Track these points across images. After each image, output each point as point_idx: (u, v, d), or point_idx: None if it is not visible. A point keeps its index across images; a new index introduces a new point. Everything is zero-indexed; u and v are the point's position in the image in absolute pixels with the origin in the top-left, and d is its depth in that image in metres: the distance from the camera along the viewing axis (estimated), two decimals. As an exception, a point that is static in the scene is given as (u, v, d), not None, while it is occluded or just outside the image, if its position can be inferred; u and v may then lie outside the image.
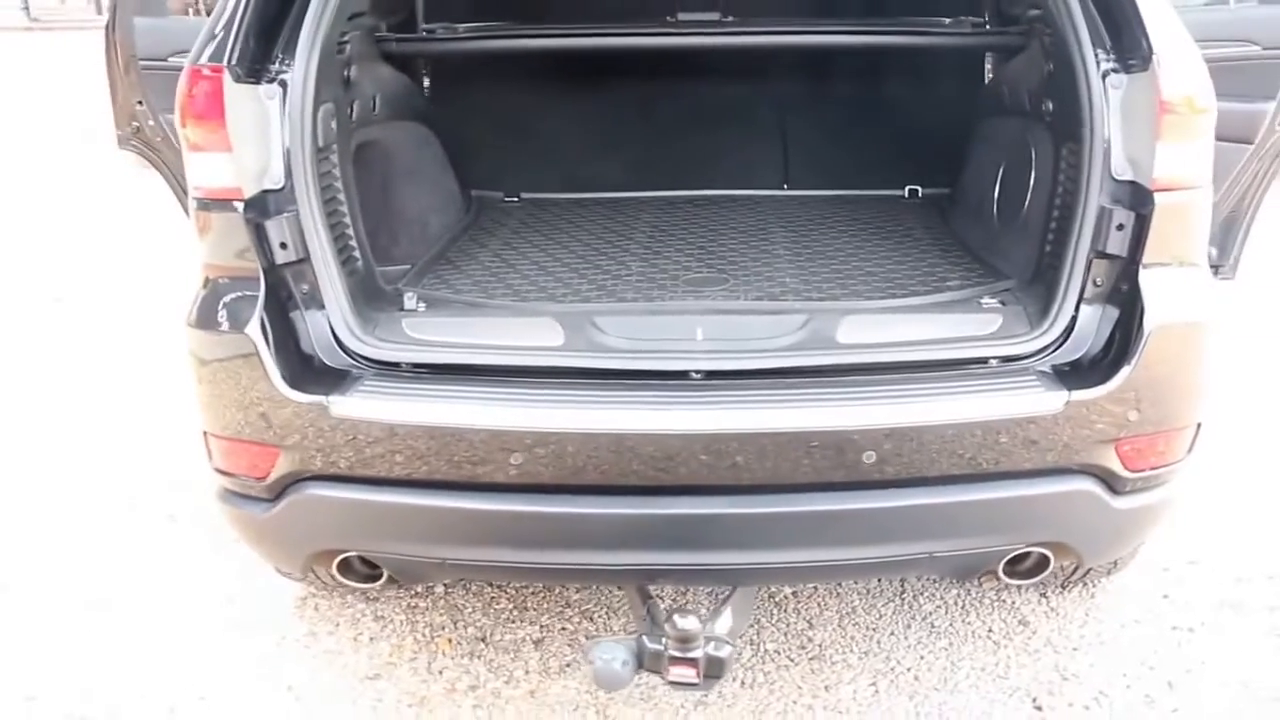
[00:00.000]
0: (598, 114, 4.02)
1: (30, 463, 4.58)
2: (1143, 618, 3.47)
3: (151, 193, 4.21)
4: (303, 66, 2.65)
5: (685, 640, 2.53)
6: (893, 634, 3.42)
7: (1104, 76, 2.62)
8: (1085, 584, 3.58)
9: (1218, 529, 3.96)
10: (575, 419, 2.47)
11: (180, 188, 3.77)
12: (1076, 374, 2.59)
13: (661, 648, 2.58)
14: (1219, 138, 2.67)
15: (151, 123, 3.81)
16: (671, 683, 2.62)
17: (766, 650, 3.34)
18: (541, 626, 3.45)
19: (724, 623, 2.71)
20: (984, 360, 2.64)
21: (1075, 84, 2.66)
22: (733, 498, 2.54)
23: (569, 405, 2.49)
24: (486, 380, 2.57)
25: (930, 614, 3.51)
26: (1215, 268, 2.90)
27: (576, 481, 2.53)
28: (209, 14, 4.31)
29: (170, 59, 3.73)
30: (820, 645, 3.36)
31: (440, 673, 3.25)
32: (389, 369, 2.61)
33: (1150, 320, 2.53)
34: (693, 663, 2.54)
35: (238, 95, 2.56)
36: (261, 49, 2.64)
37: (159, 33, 3.76)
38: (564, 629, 3.44)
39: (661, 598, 2.99)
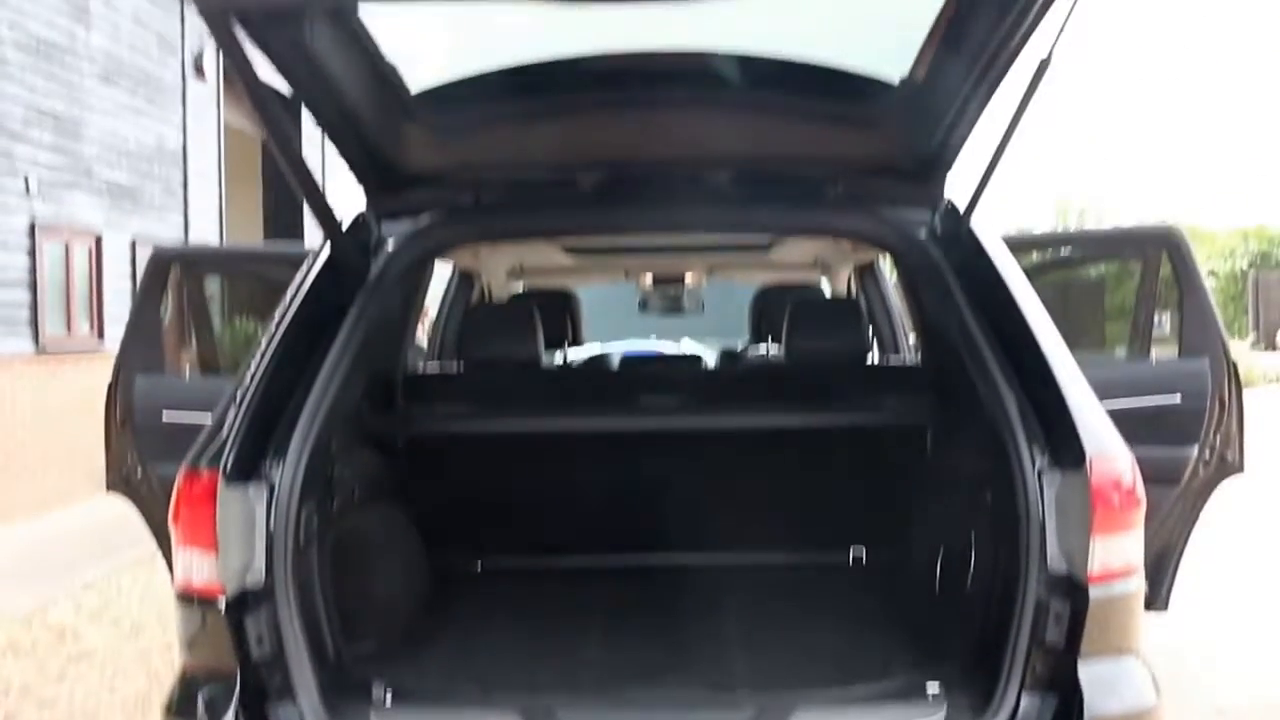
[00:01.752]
0: (563, 490, 4.16)
1: None
2: None
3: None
4: (291, 469, 2.74)
5: None
6: None
7: (1039, 474, 2.69)
8: None
9: None
10: None
11: (158, 531, 3.93)
12: None
13: None
14: (1148, 480, 2.80)
15: (140, 473, 4.01)
16: None
17: None
18: None
19: None
20: None
21: (1011, 480, 2.74)
22: None
23: None
24: None
25: None
26: (1148, 602, 3.00)
27: None
28: (202, 369, 4.64)
29: (164, 413, 3.98)
30: None
31: None
32: None
33: (1089, 712, 2.57)
34: None
35: (228, 498, 2.65)
36: (255, 451, 2.74)
37: (156, 391, 4.03)
38: None
39: None
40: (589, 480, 4.12)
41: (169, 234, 12.70)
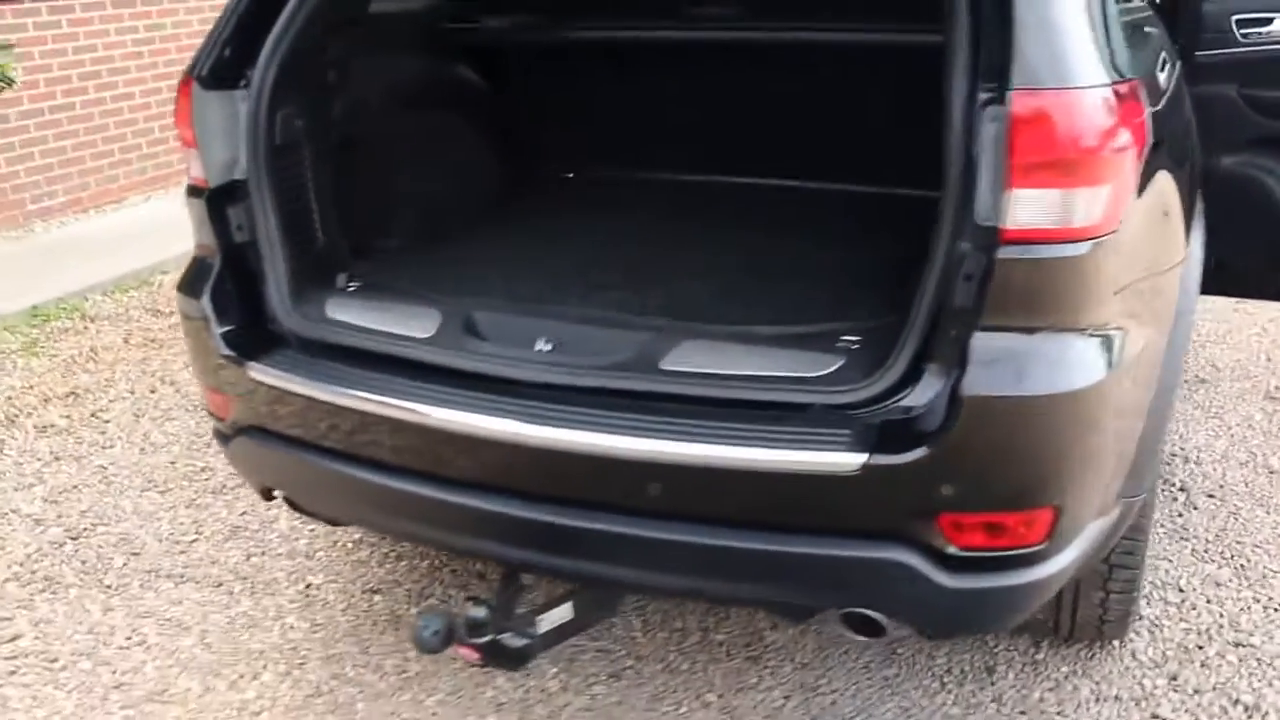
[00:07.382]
0: (615, 100, 4.08)
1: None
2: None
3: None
4: (260, 76, 3.02)
5: (473, 627, 2.77)
6: (845, 652, 3.39)
7: (983, 107, 2.31)
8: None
9: None
10: (415, 411, 2.71)
11: None
12: (888, 435, 2.41)
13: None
14: None
15: None
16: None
17: (713, 640, 3.46)
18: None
19: (560, 614, 2.89)
20: (801, 406, 2.53)
21: (950, 113, 2.38)
22: (527, 501, 2.67)
23: (414, 399, 2.72)
24: (360, 363, 2.87)
25: (899, 640, 3.40)
26: None
27: (420, 466, 2.80)
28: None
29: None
30: (767, 646, 3.42)
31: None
32: (307, 343, 2.99)
33: (968, 388, 2.32)
34: (476, 648, 2.77)
35: (205, 101, 3.00)
36: (238, 58, 3.03)
37: None
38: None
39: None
40: (652, 96, 4.05)
41: None
